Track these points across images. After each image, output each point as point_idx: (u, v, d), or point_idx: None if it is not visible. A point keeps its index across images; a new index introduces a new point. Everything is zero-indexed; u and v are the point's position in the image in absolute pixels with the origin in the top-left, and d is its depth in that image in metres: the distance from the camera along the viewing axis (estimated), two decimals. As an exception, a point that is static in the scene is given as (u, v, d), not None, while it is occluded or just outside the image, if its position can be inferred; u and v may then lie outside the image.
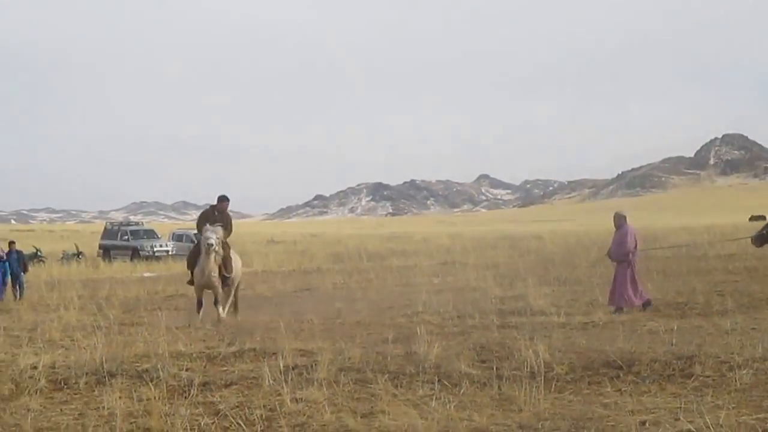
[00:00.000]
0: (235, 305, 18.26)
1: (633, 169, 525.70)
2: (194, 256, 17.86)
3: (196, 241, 19.42)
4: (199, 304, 17.40)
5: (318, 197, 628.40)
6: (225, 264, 17.47)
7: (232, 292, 18.05)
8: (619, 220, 18.07)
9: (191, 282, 17.90)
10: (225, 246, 17.62)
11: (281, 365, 10.04)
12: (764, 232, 19.31)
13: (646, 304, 17.21)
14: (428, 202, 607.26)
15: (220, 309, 17.14)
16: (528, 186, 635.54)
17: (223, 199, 18.09)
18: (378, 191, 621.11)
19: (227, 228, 17.70)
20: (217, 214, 17.88)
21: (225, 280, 17.49)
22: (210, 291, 17.39)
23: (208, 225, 17.31)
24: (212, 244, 16.93)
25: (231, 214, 18.31)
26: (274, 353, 11.17)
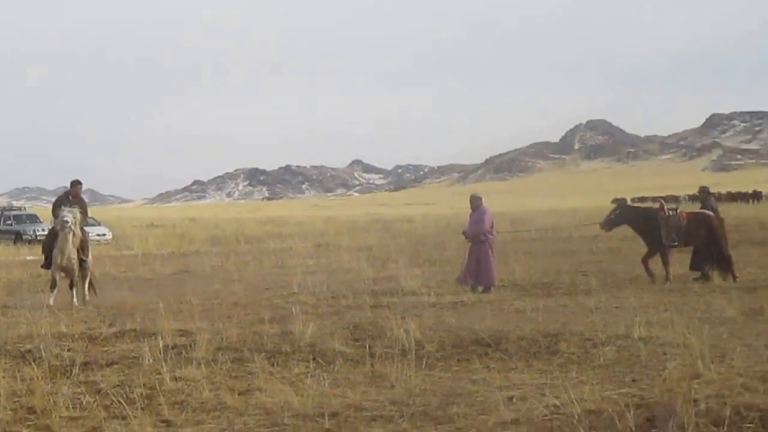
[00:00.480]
0: (93, 287, 18.17)
1: (500, 155, 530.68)
2: (50, 240, 17.79)
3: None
4: (53, 285, 17.26)
5: (196, 182, 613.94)
6: (83, 247, 17.46)
7: (89, 276, 17.99)
8: (476, 202, 18.49)
9: (45, 266, 17.83)
10: (82, 230, 17.64)
11: (161, 345, 10.15)
12: (612, 216, 19.81)
13: (475, 287, 17.44)
14: (303, 186, 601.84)
15: (75, 292, 17.09)
16: (399, 171, 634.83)
17: (77, 183, 18.20)
18: (254, 176, 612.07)
19: (83, 211, 17.72)
20: (71, 198, 17.94)
21: (82, 263, 17.46)
22: (65, 274, 17.33)
23: (64, 207, 17.28)
24: (68, 222, 16.86)
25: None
26: (153, 333, 11.24)
